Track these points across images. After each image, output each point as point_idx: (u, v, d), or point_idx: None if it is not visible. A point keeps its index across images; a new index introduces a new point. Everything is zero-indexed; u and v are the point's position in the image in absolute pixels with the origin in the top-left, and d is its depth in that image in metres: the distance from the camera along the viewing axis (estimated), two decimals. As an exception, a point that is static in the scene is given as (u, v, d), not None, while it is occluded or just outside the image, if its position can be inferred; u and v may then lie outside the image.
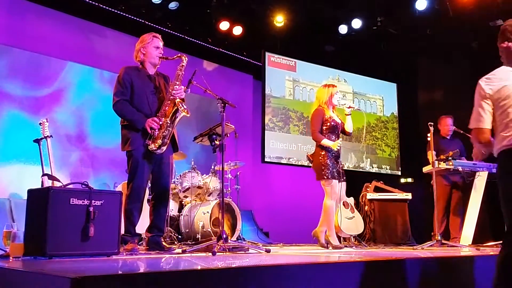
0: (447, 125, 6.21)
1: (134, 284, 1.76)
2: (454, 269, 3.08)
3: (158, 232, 3.94)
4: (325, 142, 4.75)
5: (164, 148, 3.81)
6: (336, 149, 4.75)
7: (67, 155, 6.48)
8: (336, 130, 4.89)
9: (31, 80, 6.34)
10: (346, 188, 5.02)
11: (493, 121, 2.71)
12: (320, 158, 4.77)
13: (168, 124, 3.84)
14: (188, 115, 3.89)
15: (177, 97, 3.89)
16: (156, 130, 3.77)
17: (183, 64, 4.01)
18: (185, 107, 3.86)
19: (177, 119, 3.90)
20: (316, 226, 4.83)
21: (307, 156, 5.13)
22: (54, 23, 6.62)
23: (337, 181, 4.77)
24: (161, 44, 4.04)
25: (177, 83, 3.93)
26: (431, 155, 5.88)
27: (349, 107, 4.97)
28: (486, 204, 5.81)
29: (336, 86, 5.02)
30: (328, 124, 4.83)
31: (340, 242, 5.37)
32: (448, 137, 6.22)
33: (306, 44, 8.54)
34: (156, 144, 3.76)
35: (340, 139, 4.90)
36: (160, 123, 3.80)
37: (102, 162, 6.83)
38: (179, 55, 4.05)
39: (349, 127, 4.99)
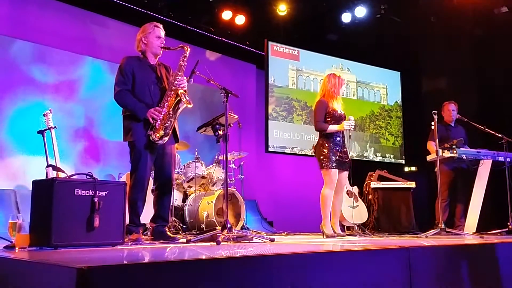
0: (450, 110, 6.18)
1: (140, 273, 1.77)
2: (458, 257, 3.08)
3: (163, 222, 3.95)
4: (332, 127, 4.76)
5: (166, 138, 3.81)
6: (346, 129, 4.72)
7: (71, 146, 6.49)
8: (340, 120, 4.85)
9: (33, 72, 6.34)
10: (349, 177, 4.99)
11: None
12: (320, 148, 4.80)
13: (170, 115, 3.83)
14: (191, 106, 3.88)
15: (180, 88, 3.88)
16: (158, 120, 3.77)
17: (185, 54, 3.99)
18: (187, 98, 3.85)
19: (179, 110, 3.89)
20: (320, 215, 4.84)
21: (312, 147, 5.13)
22: (55, 13, 6.61)
23: (336, 170, 4.75)
24: (162, 33, 4.02)
25: (180, 73, 3.92)
26: (431, 145, 5.87)
27: (349, 128, 4.77)
28: (490, 192, 5.80)
29: (339, 77, 4.97)
30: (332, 115, 4.82)
31: (344, 231, 5.40)
32: (451, 124, 6.20)
33: (309, 33, 8.50)
34: (158, 135, 3.76)
35: (351, 118, 4.80)
36: (162, 113, 3.80)
37: (106, 153, 6.85)
38: (181, 45, 4.02)
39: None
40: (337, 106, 4.91)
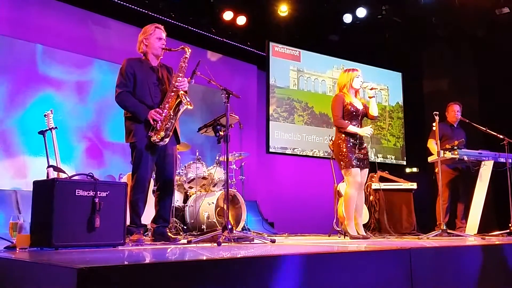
0: (454, 111, 6.18)
1: (140, 274, 1.76)
2: (459, 258, 3.07)
3: (164, 223, 3.95)
4: (351, 128, 4.59)
5: (167, 140, 3.81)
6: (366, 134, 4.57)
7: (71, 147, 6.49)
8: (357, 116, 4.69)
9: (34, 73, 6.34)
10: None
11: None
12: (339, 146, 4.63)
13: (171, 116, 3.83)
14: (191, 108, 3.88)
15: (180, 89, 3.88)
16: (159, 122, 3.77)
17: (186, 56, 3.99)
18: (188, 99, 3.85)
19: (180, 111, 3.89)
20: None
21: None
22: (56, 14, 6.60)
23: (358, 169, 4.58)
24: (164, 35, 4.03)
25: (180, 75, 3.92)
26: (431, 143, 5.87)
27: (372, 89, 4.72)
28: (491, 193, 5.80)
29: (357, 70, 4.79)
30: (347, 109, 4.64)
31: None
32: (455, 125, 6.20)
33: (310, 33, 8.49)
34: (159, 136, 3.76)
35: (370, 125, 4.71)
36: (163, 115, 3.80)
37: (107, 154, 6.85)
38: (182, 46, 4.02)
39: (373, 110, 4.73)
40: (355, 100, 4.74)
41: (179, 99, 3.85)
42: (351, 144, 4.60)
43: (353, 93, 4.78)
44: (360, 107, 4.74)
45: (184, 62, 3.97)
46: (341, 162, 4.61)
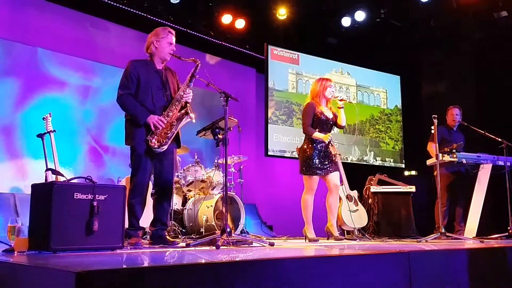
0: (453, 114, 6.20)
1: (139, 278, 1.76)
2: (458, 261, 3.08)
3: (162, 226, 3.94)
4: (317, 134, 4.76)
5: (165, 147, 3.80)
6: (327, 141, 4.74)
7: (70, 150, 6.48)
8: (327, 124, 4.87)
9: (33, 75, 6.34)
10: (349, 181, 5.01)
11: None
12: (303, 153, 4.83)
13: (173, 125, 3.84)
14: (194, 122, 3.92)
15: (185, 100, 3.89)
16: (159, 128, 3.78)
17: (197, 69, 3.96)
18: (192, 115, 3.87)
19: (183, 122, 3.89)
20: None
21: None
22: (55, 17, 6.61)
23: (317, 177, 4.78)
24: (174, 40, 4.02)
25: (188, 87, 3.93)
26: (431, 146, 5.87)
27: (341, 100, 4.93)
28: (490, 196, 5.80)
29: (330, 80, 4.99)
30: (317, 118, 4.82)
31: (344, 235, 5.41)
32: (454, 128, 6.21)
33: (309, 37, 8.51)
34: (157, 143, 3.76)
35: (332, 132, 4.91)
36: (166, 123, 3.80)
37: (105, 157, 6.85)
38: (193, 58, 3.98)
39: (342, 120, 4.96)
40: (325, 109, 4.91)
41: (184, 110, 3.86)
42: (317, 151, 4.77)
43: (324, 102, 4.95)
44: (330, 116, 4.92)
45: (193, 74, 3.95)
46: (303, 168, 4.81)
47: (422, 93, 8.89)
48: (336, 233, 4.86)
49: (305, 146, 4.84)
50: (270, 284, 2.07)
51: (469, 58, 8.15)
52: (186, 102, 3.90)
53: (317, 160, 4.76)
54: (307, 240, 4.79)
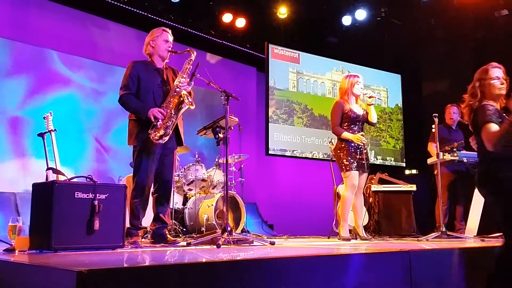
0: (451, 113, 6.21)
1: (140, 277, 1.76)
2: (459, 260, 3.07)
3: (162, 225, 3.95)
4: (346, 135, 4.71)
5: (166, 138, 3.81)
6: (358, 143, 4.70)
7: (71, 149, 6.48)
8: (357, 122, 4.81)
9: (33, 75, 6.34)
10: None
11: None
12: (338, 151, 4.77)
13: (172, 115, 3.85)
14: (193, 107, 3.91)
15: (183, 90, 3.90)
16: (160, 120, 3.78)
17: (191, 58, 4.03)
18: (190, 100, 3.87)
19: (181, 111, 3.91)
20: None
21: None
22: (56, 16, 6.61)
23: (357, 172, 4.69)
24: (170, 38, 4.07)
25: (184, 76, 3.95)
26: (431, 146, 5.87)
27: (370, 97, 4.86)
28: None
29: (358, 76, 4.89)
30: (347, 116, 4.75)
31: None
32: (453, 127, 6.21)
33: (309, 36, 8.50)
34: (158, 134, 3.77)
35: (362, 132, 4.84)
36: (165, 114, 3.81)
37: (106, 156, 6.84)
38: (188, 49, 4.07)
39: (373, 117, 4.89)
40: (355, 106, 4.84)
41: (181, 99, 3.87)
42: (351, 148, 4.71)
43: (353, 99, 4.88)
44: (360, 112, 4.85)
45: (188, 64, 4.02)
46: (341, 166, 4.74)
47: (423, 92, 8.88)
48: (362, 233, 4.82)
49: (340, 145, 4.78)
50: (271, 283, 2.07)
51: (470, 57, 8.13)
52: (184, 91, 3.90)
53: (353, 156, 4.69)
54: (340, 239, 4.69)
